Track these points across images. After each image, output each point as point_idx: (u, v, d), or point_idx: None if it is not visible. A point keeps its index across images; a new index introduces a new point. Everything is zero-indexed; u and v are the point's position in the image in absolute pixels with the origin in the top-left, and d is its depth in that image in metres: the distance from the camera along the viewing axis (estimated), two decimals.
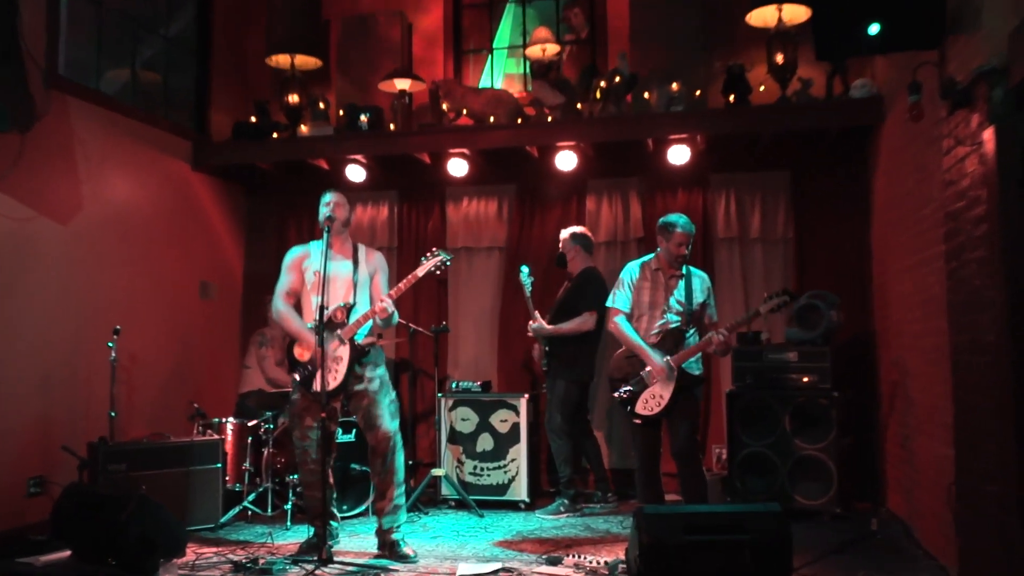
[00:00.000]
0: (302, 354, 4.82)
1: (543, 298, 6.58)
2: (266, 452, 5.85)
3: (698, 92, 6.50)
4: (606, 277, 6.29)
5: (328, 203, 4.88)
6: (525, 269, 6.19)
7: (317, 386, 4.64)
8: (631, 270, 5.12)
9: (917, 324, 4.83)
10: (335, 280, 4.81)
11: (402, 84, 6.96)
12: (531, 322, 6.10)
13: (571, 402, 6.05)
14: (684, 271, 5.03)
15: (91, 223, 6.00)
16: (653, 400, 4.87)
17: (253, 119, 7.26)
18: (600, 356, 6.18)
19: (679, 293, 4.98)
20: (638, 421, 4.92)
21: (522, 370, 7.04)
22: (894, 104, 5.40)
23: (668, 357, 4.86)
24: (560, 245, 6.28)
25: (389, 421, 4.85)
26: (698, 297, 5.00)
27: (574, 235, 6.22)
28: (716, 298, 5.30)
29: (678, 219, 5.01)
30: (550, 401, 6.08)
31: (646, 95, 6.55)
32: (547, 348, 6.11)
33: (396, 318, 4.89)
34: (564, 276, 6.38)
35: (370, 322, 4.78)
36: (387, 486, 4.86)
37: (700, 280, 5.07)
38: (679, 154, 6.50)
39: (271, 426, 5.86)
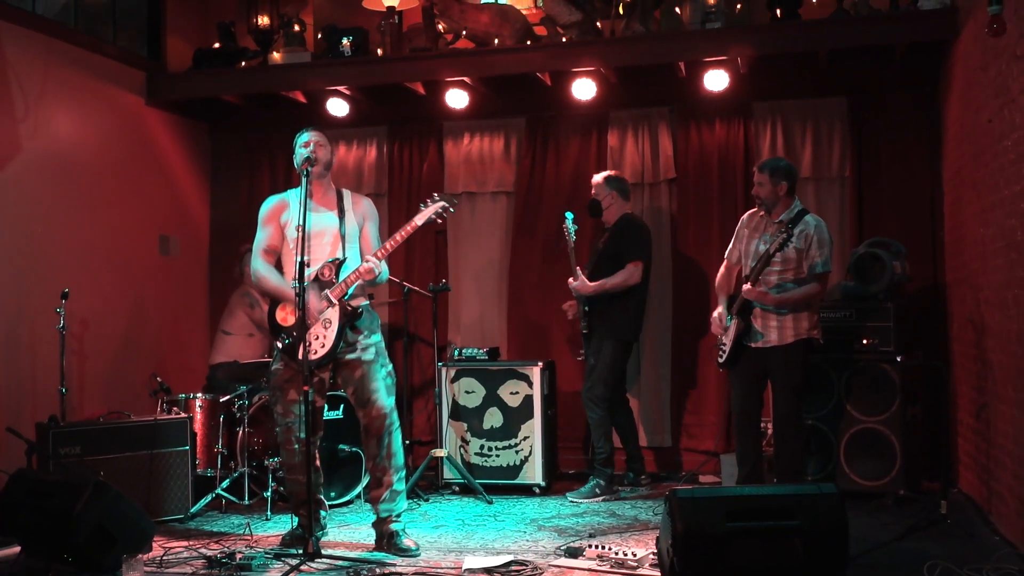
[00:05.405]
0: (285, 318, 4.83)
1: (558, 252, 6.55)
2: (241, 432, 5.89)
3: (739, 5, 6.42)
4: None
5: (306, 143, 4.86)
6: (570, 216, 6.19)
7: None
8: None
9: (997, 275, 4.81)
10: (320, 235, 4.81)
11: (391, 1, 6.88)
12: (571, 280, 6.11)
13: (619, 368, 6.15)
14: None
15: (30, 169, 5.98)
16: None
17: (216, 44, 7.21)
18: (648, 313, 6.25)
19: None
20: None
21: (535, 334, 7.06)
22: (972, 16, 5.32)
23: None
24: (592, 191, 6.28)
25: (385, 396, 4.87)
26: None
27: (609, 179, 6.25)
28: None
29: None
30: (592, 367, 6.10)
31: (677, 10, 6.47)
32: (586, 308, 6.13)
33: (386, 275, 4.89)
34: (597, 225, 6.42)
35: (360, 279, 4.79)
36: (384, 472, 4.88)
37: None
38: (717, 79, 6.47)
39: (246, 402, 5.90)
